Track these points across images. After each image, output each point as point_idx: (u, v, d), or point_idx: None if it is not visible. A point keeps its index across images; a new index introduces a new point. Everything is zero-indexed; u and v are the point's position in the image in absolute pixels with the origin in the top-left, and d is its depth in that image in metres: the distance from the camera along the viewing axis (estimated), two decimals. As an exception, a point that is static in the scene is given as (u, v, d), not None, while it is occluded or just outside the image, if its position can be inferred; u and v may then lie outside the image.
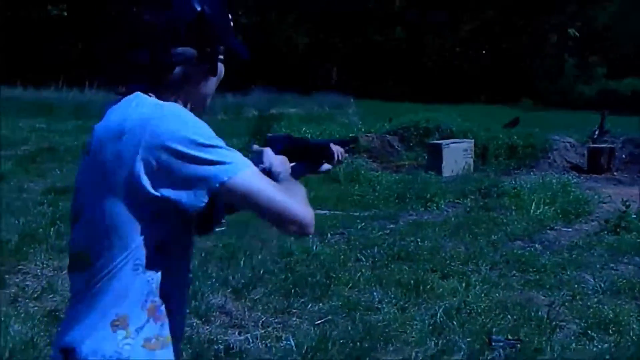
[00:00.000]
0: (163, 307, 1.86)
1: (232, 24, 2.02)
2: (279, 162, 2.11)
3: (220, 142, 1.80)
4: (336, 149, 2.53)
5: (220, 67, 1.99)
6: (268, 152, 2.13)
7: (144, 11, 1.87)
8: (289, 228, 1.83)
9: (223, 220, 2.12)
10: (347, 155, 2.62)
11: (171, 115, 1.79)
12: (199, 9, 1.88)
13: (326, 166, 2.54)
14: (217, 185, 1.76)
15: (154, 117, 1.78)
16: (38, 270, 6.73)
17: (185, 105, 1.92)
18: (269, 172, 2.01)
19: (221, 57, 1.99)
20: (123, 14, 1.92)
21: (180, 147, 1.74)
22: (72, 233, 1.93)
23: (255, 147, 2.16)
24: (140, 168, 1.75)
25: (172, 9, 1.86)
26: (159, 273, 1.84)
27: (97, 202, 1.82)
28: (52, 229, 7.98)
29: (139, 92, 1.86)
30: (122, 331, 1.80)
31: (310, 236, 8.34)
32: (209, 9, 1.89)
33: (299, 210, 1.83)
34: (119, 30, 1.92)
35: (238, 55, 2.03)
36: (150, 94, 1.88)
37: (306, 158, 2.42)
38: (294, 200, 1.84)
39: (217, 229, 2.11)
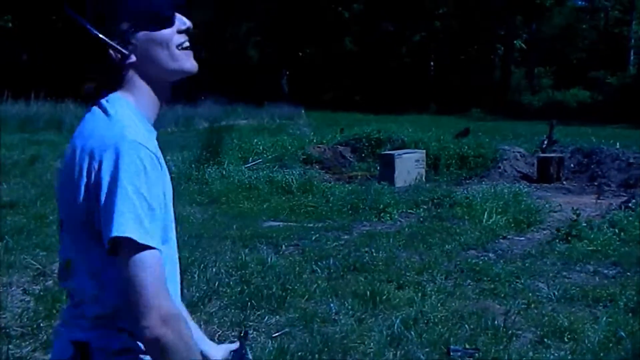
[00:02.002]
0: None
1: None
2: None
3: None
4: None
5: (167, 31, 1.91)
6: None
7: None
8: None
9: None
10: None
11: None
12: None
13: None
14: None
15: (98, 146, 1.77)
16: (-14, 287, 6.56)
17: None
18: None
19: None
20: None
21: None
22: (60, 241, 1.94)
23: None
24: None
25: None
26: None
27: (72, 214, 1.82)
28: (-1, 244, 7.80)
29: (95, 107, 1.86)
30: (124, 333, 1.83)
31: (265, 248, 8.33)
32: None
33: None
34: None
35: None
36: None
37: None
38: None
39: None
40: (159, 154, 1.82)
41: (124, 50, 1.84)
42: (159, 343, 1.70)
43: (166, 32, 1.88)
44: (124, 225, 1.69)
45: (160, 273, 1.73)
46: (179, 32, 1.91)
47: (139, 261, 1.70)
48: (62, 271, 1.91)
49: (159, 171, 1.78)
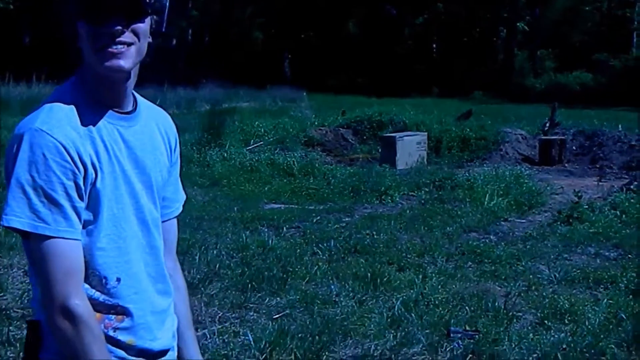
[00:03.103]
0: None
1: None
2: None
3: None
4: None
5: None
6: None
7: None
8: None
9: None
10: None
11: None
12: None
13: None
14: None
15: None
16: (-14, 269, 6.56)
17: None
18: None
19: None
20: None
21: None
22: None
23: None
24: None
25: None
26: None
27: None
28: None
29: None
30: None
31: (266, 230, 8.33)
32: None
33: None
34: None
35: None
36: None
37: None
38: None
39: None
40: (83, 141, 1.75)
41: (69, 32, 1.79)
42: (59, 333, 1.70)
43: (89, 28, 1.74)
44: (14, 216, 1.68)
45: (64, 263, 1.70)
46: (106, 33, 1.73)
47: (39, 250, 1.70)
48: None
49: (65, 159, 1.70)
